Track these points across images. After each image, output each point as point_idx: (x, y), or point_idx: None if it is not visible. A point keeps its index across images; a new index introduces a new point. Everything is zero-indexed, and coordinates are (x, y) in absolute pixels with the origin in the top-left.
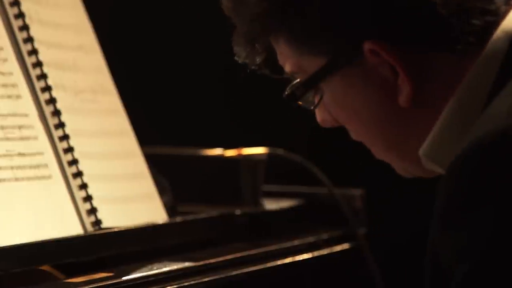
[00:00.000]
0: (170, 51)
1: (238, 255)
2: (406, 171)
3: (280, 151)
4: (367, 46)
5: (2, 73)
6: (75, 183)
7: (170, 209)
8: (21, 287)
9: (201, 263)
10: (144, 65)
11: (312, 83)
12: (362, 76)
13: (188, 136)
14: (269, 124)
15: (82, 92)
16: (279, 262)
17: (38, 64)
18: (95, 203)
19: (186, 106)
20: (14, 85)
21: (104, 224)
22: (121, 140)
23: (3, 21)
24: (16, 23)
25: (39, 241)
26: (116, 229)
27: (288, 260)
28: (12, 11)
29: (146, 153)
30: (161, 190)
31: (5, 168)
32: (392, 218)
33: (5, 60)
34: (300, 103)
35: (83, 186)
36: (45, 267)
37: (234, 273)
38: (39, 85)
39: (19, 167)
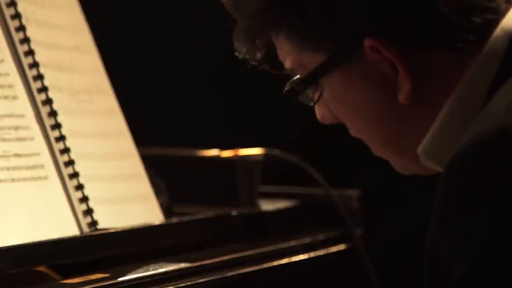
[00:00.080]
0: (167, 52)
1: (235, 256)
2: (405, 168)
3: (276, 152)
4: (367, 42)
5: None
6: (71, 184)
7: (166, 210)
8: None
9: (197, 264)
10: (140, 66)
11: (312, 79)
12: (362, 73)
13: (184, 137)
14: (265, 124)
15: (79, 93)
16: (276, 263)
17: (35, 65)
18: (91, 204)
19: (182, 107)
20: (10, 86)
21: (100, 225)
22: (117, 141)
23: (0, 22)
24: (12, 24)
25: (35, 242)
26: (112, 230)
27: (284, 261)
28: (8, 12)
29: (142, 154)
30: (157, 191)
31: (2, 169)
32: (388, 219)
33: (1, 61)
34: (300, 99)
35: (79, 187)
36: (41, 268)
37: (230, 274)
38: (35, 86)
39: (15, 168)
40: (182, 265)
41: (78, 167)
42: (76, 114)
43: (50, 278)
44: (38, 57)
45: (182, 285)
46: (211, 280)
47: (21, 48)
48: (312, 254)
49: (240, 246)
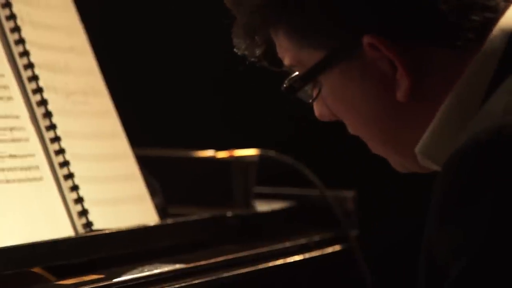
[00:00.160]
0: (161, 53)
1: (230, 257)
2: (403, 166)
3: (271, 153)
4: (366, 40)
5: None
6: (66, 185)
7: (162, 211)
8: None
9: (192, 265)
10: (135, 67)
11: (311, 76)
12: (361, 70)
13: (180, 138)
14: (261, 125)
15: (74, 93)
16: (271, 264)
17: (30, 65)
18: (86, 205)
19: (178, 108)
20: (5, 87)
21: (95, 226)
22: (112, 142)
23: None
24: (7, 25)
25: (30, 243)
26: (107, 231)
27: (279, 262)
28: (3, 13)
29: (137, 155)
30: (153, 192)
31: None
32: (383, 220)
33: None
34: (298, 96)
35: (74, 188)
36: (36, 269)
37: (226, 275)
38: (30, 86)
39: (10, 169)
40: (177, 266)
41: (73, 168)
42: (71, 115)
43: (45, 279)
44: (33, 58)
45: (177, 286)
46: (206, 281)
47: (16, 49)
48: (307, 255)
49: (235, 247)
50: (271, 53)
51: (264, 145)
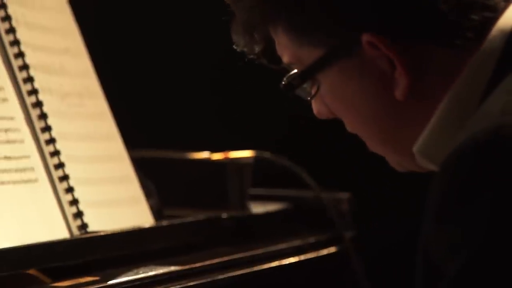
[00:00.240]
0: (157, 54)
1: (225, 258)
2: (401, 165)
3: (266, 155)
4: (365, 38)
5: None
6: (61, 186)
7: (157, 213)
8: None
9: (187, 267)
10: (131, 69)
11: (310, 73)
12: (360, 68)
13: (175, 140)
14: (256, 127)
15: (69, 95)
16: (266, 266)
17: (25, 67)
18: (81, 206)
19: (173, 109)
20: (0, 88)
21: (90, 228)
22: (107, 144)
23: None
24: (2, 26)
25: (25, 245)
26: (102, 233)
27: (274, 263)
28: None
29: (132, 157)
30: (148, 194)
31: None
32: (379, 222)
33: None
34: (297, 93)
35: (69, 190)
36: (31, 271)
37: (221, 277)
38: (25, 88)
39: (5, 171)
40: (172, 268)
41: (68, 170)
42: (66, 117)
43: (40, 281)
44: (28, 60)
45: None
46: (201, 283)
47: (11, 50)
48: (302, 257)
49: (230, 249)
50: (270, 51)
51: (259, 146)
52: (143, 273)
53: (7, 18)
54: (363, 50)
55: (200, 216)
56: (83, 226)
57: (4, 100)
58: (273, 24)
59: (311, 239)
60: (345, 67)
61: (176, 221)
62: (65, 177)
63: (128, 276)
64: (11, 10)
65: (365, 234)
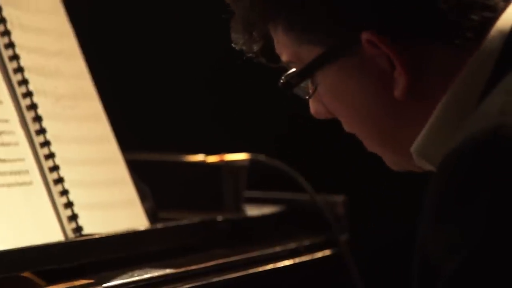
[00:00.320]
0: (152, 56)
1: (220, 261)
2: (398, 165)
3: (262, 157)
4: (365, 36)
5: None
6: (56, 189)
7: (152, 216)
8: None
9: (183, 269)
10: (125, 71)
11: (308, 72)
12: (359, 67)
13: (170, 142)
14: (251, 130)
15: (63, 97)
16: (261, 268)
17: (19, 69)
18: (76, 209)
19: (168, 112)
20: None
21: (85, 231)
22: (102, 146)
23: None
24: None
25: (19, 248)
26: (97, 236)
27: (269, 266)
28: None
29: (127, 159)
30: (143, 196)
31: None
32: (374, 224)
33: None
34: (295, 92)
35: (64, 192)
36: (26, 274)
37: (216, 279)
38: (20, 90)
39: None
40: (168, 270)
41: (63, 172)
42: (61, 119)
43: (35, 284)
44: (23, 62)
45: None
46: (196, 286)
47: (6, 53)
48: (297, 260)
49: (225, 252)
50: (268, 49)
51: (254, 149)
52: (138, 275)
53: (2, 20)
54: (363, 49)
55: (195, 218)
56: (78, 229)
57: None
58: (273, 23)
59: (306, 242)
60: (344, 66)
61: (171, 223)
62: (59, 180)
63: (123, 278)
64: (5, 13)
65: (361, 235)
